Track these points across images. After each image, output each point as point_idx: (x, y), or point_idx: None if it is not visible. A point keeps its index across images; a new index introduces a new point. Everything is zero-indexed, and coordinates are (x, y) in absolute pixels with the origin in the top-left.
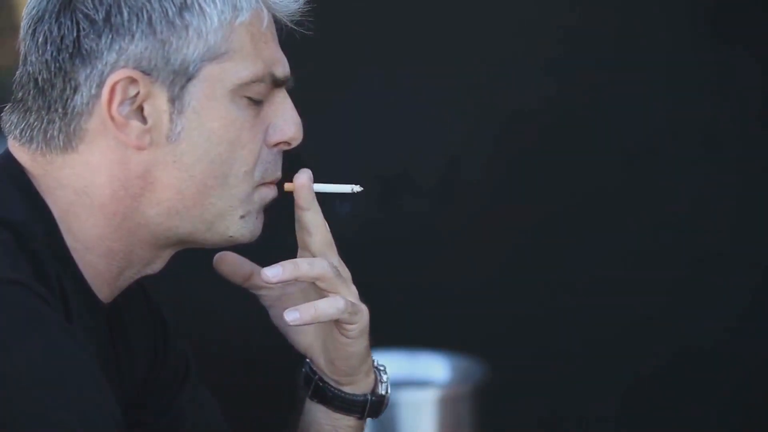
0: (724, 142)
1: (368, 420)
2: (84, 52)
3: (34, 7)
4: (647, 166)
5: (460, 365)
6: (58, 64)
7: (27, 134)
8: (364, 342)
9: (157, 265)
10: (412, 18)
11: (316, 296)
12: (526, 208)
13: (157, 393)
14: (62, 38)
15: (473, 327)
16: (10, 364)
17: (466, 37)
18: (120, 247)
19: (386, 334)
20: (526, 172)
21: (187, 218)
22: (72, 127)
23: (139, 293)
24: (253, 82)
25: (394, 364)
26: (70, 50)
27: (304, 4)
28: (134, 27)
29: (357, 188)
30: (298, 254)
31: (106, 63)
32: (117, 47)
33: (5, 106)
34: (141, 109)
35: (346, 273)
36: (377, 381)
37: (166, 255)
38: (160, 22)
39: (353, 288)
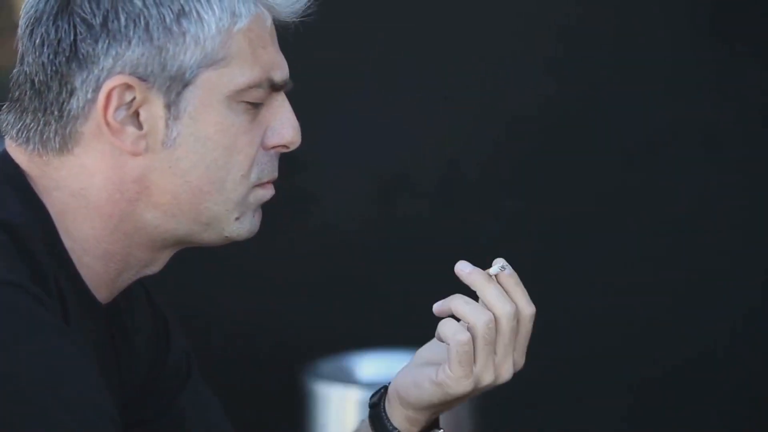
0: (724, 142)
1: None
2: (81, 56)
3: (32, 8)
4: (647, 166)
5: None
6: (54, 67)
7: (24, 135)
8: (441, 405)
9: (155, 267)
10: (412, 18)
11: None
12: (526, 209)
13: (159, 392)
14: (59, 41)
15: None
16: (7, 366)
17: (466, 38)
18: (117, 249)
19: (386, 334)
20: (526, 173)
21: (183, 221)
22: (68, 130)
23: (140, 292)
24: (251, 87)
25: (394, 364)
26: (67, 54)
27: (306, 5)
28: (131, 33)
29: (504, 265)
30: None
31: (102, 68)
32: (114, 53)
33: (2, 105)
34: (137, 114)
35: (503, 352)
36: None
37: (164, 256)
38: (157, 28)
39: (494, 370)
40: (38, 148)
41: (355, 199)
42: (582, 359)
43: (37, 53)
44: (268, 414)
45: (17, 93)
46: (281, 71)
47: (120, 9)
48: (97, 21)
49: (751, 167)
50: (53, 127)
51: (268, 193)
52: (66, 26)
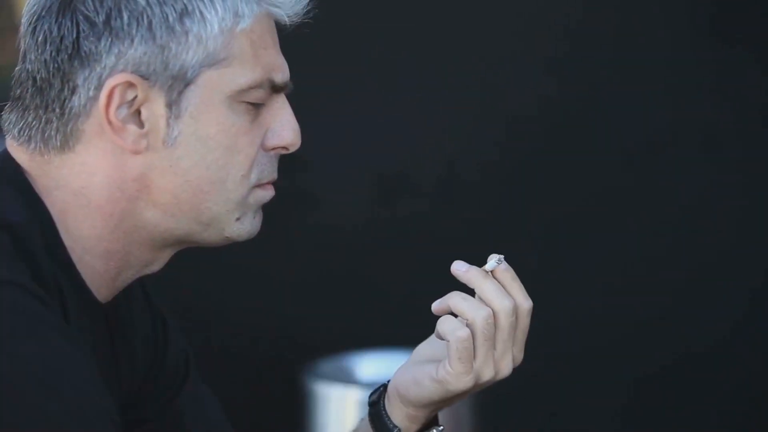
0: (724, 142)
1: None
2: (83, 53)
3: (35, 5)
4: (647, 166)
5: None
6: (56, 65)
7: (25, 133)
8: (442, 402)
9: (155, 266)
10: (413, 18)
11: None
12: (525, 209)
13: (158, 392)
14: (62, 38)
15: None
16: (7, 365)
17: (466, 38)
18: (117, 247)
19: (386, 334)
20: (526, 173)
21: (183, 221)
22: (69, 127)
23: (139, 292)
24: (252, 88)
25: (394, 364)
26: (69, 51)
27: (307, 6)
28: (134, 31)
29: (501, 258)
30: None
31: (104, 66)
32: (116, 51)
33: (5, 104)
34: (138, 113)
35: (503, 347)
36: None
37: (164, 256)
38: (160, 27)
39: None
40: (40, 147)
41: (355, 199)
42: (582, 358)
43: (40, 50)
44: (268, 414)
45: (19, 91)
46: (282, 73)
47: (123, 7)
48: (100, 18)
49: (751, 167)
50: (54, 124)
51: (267, 194)
52: (69, 23)
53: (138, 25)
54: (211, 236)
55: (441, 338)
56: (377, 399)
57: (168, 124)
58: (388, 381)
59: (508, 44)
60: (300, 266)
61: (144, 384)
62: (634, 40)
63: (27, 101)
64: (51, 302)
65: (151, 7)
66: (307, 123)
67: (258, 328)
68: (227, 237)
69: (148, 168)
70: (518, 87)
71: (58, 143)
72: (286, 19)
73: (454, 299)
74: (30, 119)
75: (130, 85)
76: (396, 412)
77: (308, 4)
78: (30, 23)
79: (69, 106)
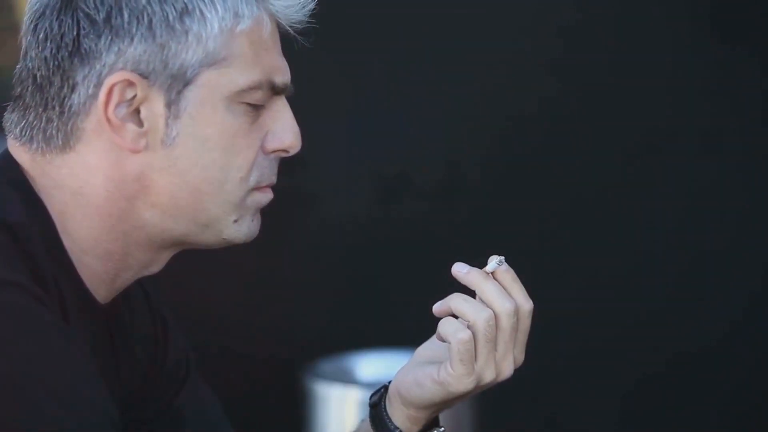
0: (724, 141)
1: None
2: (83, 51)
3: (36, 2)
4: (647, 165)
5: None
6: (56, 62)
7: (27, 133)
8: (443, 404)
9: (154, 268)
10: (413, 18)
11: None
12: (526, 209)
13: (158, 392)
14: (62, 36)
15: None
16: (6, 365)
17: (466, 38)
18: (116, 248)
19: (386, 334)
20: (526, 173)
21: (181, 221)
22: (69, 126)
23: (139, 293)
24: (251, 89)
25: (394, 364)
26: (70, 49)
27: (309, 13)
28: (134, 29)
29: (502, 260)
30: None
31: (104, 64)
32: (116, 49)
33: (7, 105)
34: (137, 112)
35: (504, 349)
36: None
37: (163, 258)
38: (160, 25)
39: (495, 367)
40: (41, 146)
41: (356, 199)
42: (581, 358)
43: (40, 48)
44: (268, 414)
45: (19, 89)
46: (283, 75)
47: (124, 5)
48: (101, 17)
49: (750, 166)
50: (55, 123)
51: (266, 197)
52: (69, 21)
53: (138, 23)
54: (208, 238)
55: (442, 340)
56: (378, 400)
57: (167, 124)
58: (389, 382)
59: (509, 44)
60: (300, 266)
61: (144, 384)
62: (634, 40)
63: (27, 99)
64: (50, 303)
65: (151, 6)
66: (308, 123)
67: (258, 327)
68: (225, 239)
69: (146, 167)
70: (518, 87)
71: (60, 142)
72: (284, 22)
73: (455, 301)
74: (31, 118)
75: (130, 83)
76: (397, 413)
77: (308, 12)
78: (32, 21)
79: (68, 104)
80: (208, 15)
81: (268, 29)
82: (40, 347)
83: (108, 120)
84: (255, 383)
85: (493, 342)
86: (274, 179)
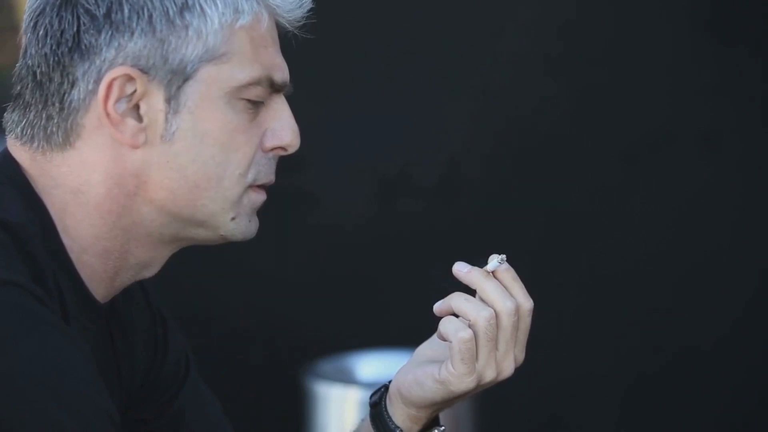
0: (724, 141)
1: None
2: (83, 47)
3: (36, 0)
4: (647, 165)
5: None
6: (56, 58)
7: (28, 132)
8: (444, 403)
9: (153, 268)
10: (413, 18)
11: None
12: (525, 208)
13: (158, 392)
14: (62, 32)
15: None
16: (6, 364)
17: (466, 38)
18: (116, 246)
19: (386, 334)
20: (526, 172)
21: (179, 218)
22: (69, 122)
23: (139, 293)
24: (251, 85)
25: (394, 364)
26: (70, 44)
27: (308, 10)
28: (134, 24)
29: (503, 258)
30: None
31: (104, 59)
32: (116, 44)
33: (7, 106)
34: (137, 107)
35: (505, 348)
36: None
37: (162, 256)
38: (161, 20)
39: (495, 366)
40: (42, 145)
41: (356, 199)
42: (581, 358)
43: (40, 44)
44: (268, 414)
45: (19, 87)
46: (281, 72)
47: (124, 0)
48: (101, 12)
49: (750, 167)
50: (55, 120)
51: (261, 197)
52: (69, 17)
53: (138, 18)
54: (207, 234)
55: (443, 339)
56: (378, 399)
57: (166, 119)
58: (389, 381)
59: (508, 44)
60: (300, 266)
61: (144, 384)
62: (634, 40)
63: (27, 97)
64: (50, 302)
65: (151, 1)
66: (308, 122)
67: (258, 328)
68: (223, 236)
69: (145, 163)
70: (518, 86)
71: (60, 139)
72: (287, 22)
73: (456, 300)
74: (32, 117)
75: (130, 78)
76: (398, 412)
77: (307, 10)
78: (31, 18)
79: (68, 100)
80: (209, 10)
81: (267, 26)
82: (40, 347)
83: (108, 115)
84: (255, 383)
85: (494, 341)
86: (272, 178)
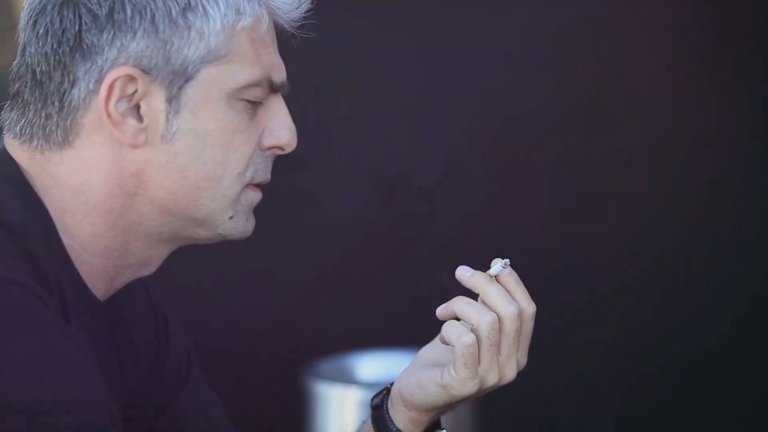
0: (724, 142)
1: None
2: (85, 46)
3: None
4: (647, 165)
5: None
6: (57, 57)
7: (27, 132)
8: (446, 407)
9: (152, 266)
10: (412, 18)
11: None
12: (525, 209)
13: (159, 390)
14: (64, 31)
15: None
16: (6, 364)
17: (466, 38)
18: (115, 245)
19: (385, 333)
20: (526, 173)
21: (179, 217)
22: (68, 121)
23: (141, 291)
24: (251, 86)
25: (394, 364)
26: (71, 44)
27: (307, 11)
28: (137, 24)
29: (506, 263)
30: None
31: (106, 59)
32: (118, 44)
33: (5, 104)
34: (138, 107)
35: (507, 352)
36: None
37: (161, 254)
38: (163, 21)
39: (498, 370)
40: (41, 144)
41: (356, 199)
42: (581, 358)
43: (40, 43)
44: (269, 414)
45: (17, 85)
46: (280, 72)
47: (126, 0)
48: (103, 11)
49: (750, 167)
50: (54, 119)
51: (257, 196)
52: (71, 16)
53: (141, 18)
54: (206, 233)
55: (446, 343)
56: (380, 402)
57: (167, 119)
58: (391, 384)
59: (508, 45)
60: (300, 265)
61: (145, 383)
62: (634, 40)
63: (26, 96)
64: (51, 301)
65: (154, 1)
66: (308, 122)
67: (258, 327)
68: (221, 234)
69: (146, 163)
70: (518, 86)
71: (59, 138)
72: (286, 22)
73: (459, 304)
74: (31, 116)
75: (131, 78)
76: (399, 415)
77: (306, 10)
78: (31, 16)
79: (68, 99)
80: (211, 11)
81: (267, 27)
82: (40, 346)
83: (108, 115)
84: (255, 383)
85: (497, 346)
86: (268, 176)
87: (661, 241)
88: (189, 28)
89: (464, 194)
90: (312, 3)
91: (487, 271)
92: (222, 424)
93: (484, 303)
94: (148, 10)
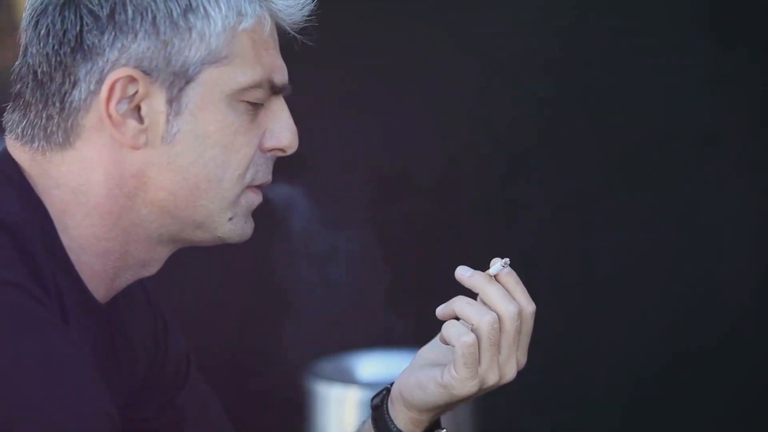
0: (724, 142)
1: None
2: (86, 47)
3: None
4: (647, 166)
5: None
6: (58, 58)
7: (29, 132)
8: (446, 406)
9: (153, 268)
10: (412, 18)
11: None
12: (525, 208)
13: (159, 391)
14: (65, 32)
15: None
16: (4, 365)
17: (465, 38)
18: (115, 246)
19: (385, 334)
20: (526, 172)
21: (179, 218)
22: (69, 122)
23: (140, 293)
24: (252, 87)
25: (394, 364)
26: (72, 44)
27: (308, 13)
28: (138, 26)
29: (506, 262)
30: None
31: (107, 60)
32: (119, 45)
33: (6, 106)
34: (138, 108)
35: (507, 351)
36: None
37: (161, 256)
38: (164, 22)
39: (498, 369)
40: (42, 145)
41: (356, 198)
42: (581, 358)
43: (42, 44)
44: (268, 414)
45: (18, 86)
46: (282, 74)
47: (128, 1)
48: (104, 12)
49: (750, 167)
50: (55, 120)
51: (257, 198)
52: (72, 17)
53: (142, 19)
54: (204, 235)
55: (446, 343)
56: (380, 402)
57: (167, 121)
58: (391, 384)
59: (507, 44)
60: (300, 266)
61: (144, 383)
62: (634, 40)
63: (27, 97)
64: (49, 302)
65: (155, 2)
66: (308, 123)
67: (258, 327)
68: (220, 237)
69: (146, 164)
70: (517, 86)
71: (60, 139)
72: (288, 25)
73: (459, 304)
74: (32, 117)
75: (132, 79)
76: (399, 415)
77: (308, 13)
78: (32, 17)
79: (69, 100)
80: (212, 13)
81: (268, 29)
82: (38, 347)
83: (109, 116)
84: (255, 383)
85: (497, 345)
86: (269, 178)
87: (661, 241)
88: (190, 29)
89: (464, 194)
90: (314, 4)
91: (487, 271)
92: (221, 424)
93: (484, 303)
94: (150, 11)
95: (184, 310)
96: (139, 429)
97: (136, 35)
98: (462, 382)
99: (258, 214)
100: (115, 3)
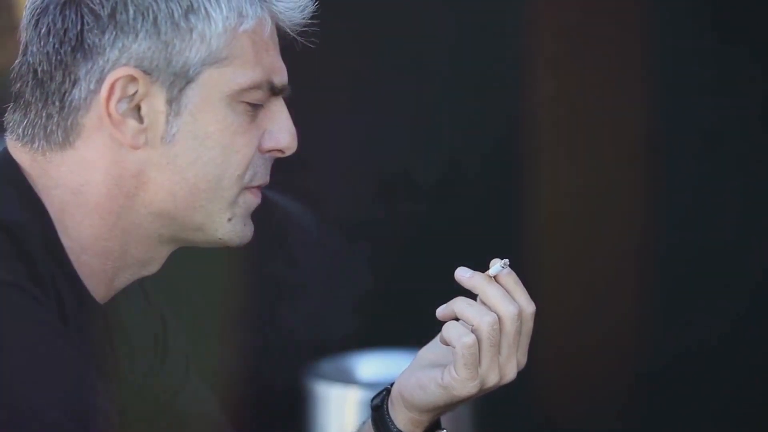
0: (725, 142)
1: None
2: (86, 46)
3: None
4: (648, 165)
5: None
6: (59, 57)
7: (29, 132)
8: (446, 407)
9: (153, 267)
10: (412, 18)
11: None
12: (525, 208)
13: (158, 391)
14: (65, 31)
15: None
16: (3, 366)
17: (465, 37)
18: (115, 246)
19: (386, 334)
20: (526, 172)
21: (177, 219)
22: (69, 121)
23: (139, 292)
24: (252, 88)
25: (394, 364)
26: (73, 44)
27: (309, 15)
28: (139, 26)
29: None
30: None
31: (107, 59)
32: (120, 45)
33: (7, 106)
34: (138, 108)
35: (507, 352)
36: None
37: (161, 255)
38: (165, 22)
39: (498, 370)
40: (42, 145)
41: (356, 198)
42: (581, 358)
43: (42, 43)
44: (268, 414)
45: (18, 85)
46: (281, 76)
47: (129, 1)
48: (106, 12)
49: (750, 167)
50: (55, 119)
51: (256, 199)
52: (73, 16)
53: (143, 19)
54: (204, 236)
55: (446, 343)
56: (380, 402)
57: (167, 121)
58: (391, 384)
59: (508, 44)
60: (299, 266)
61: (143, 384)
62: (634, 40)
63: (27, 95)
64: (48, 303)
65: (157, 3)
66: (308, 122)
67: (257, 328)
68: (220, 239)
69: (145, 164)
70: (518, 86)
71: (60, 139)
72: (285, 24)
73: (459, 305)
74: (32, 116)
75: (132, 79)
76: (399, 416)
77: (309, 15)
78: (33, 16)
79: (69, 99)
80: (213, 14)
81: (269, 31)
82: (36, 348)
83: (109, 115)
84: (255, 383)
85: (497, 346)
86: (267, 179)
87: (661, 241)
88: (191, 30)
89: (464, 194)
90: (314, 5)
91: (486, 272)
92: (220, 424)
93: (484, 303)
94: (151, 11)
95: (183, 310)
96: (137, 429)
97: (137, 35)
98: (462, 383)
99: (257, 212)
100: (116, 3)
